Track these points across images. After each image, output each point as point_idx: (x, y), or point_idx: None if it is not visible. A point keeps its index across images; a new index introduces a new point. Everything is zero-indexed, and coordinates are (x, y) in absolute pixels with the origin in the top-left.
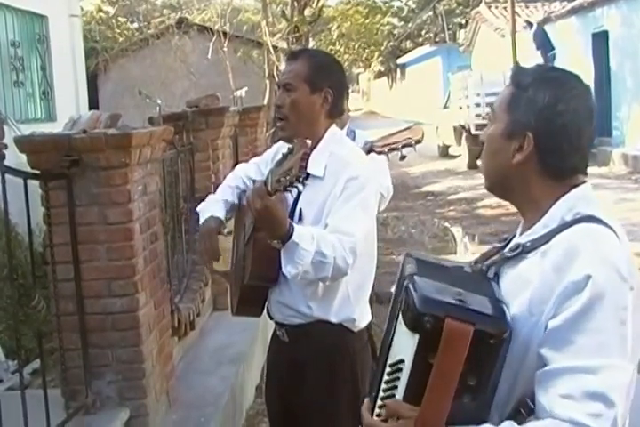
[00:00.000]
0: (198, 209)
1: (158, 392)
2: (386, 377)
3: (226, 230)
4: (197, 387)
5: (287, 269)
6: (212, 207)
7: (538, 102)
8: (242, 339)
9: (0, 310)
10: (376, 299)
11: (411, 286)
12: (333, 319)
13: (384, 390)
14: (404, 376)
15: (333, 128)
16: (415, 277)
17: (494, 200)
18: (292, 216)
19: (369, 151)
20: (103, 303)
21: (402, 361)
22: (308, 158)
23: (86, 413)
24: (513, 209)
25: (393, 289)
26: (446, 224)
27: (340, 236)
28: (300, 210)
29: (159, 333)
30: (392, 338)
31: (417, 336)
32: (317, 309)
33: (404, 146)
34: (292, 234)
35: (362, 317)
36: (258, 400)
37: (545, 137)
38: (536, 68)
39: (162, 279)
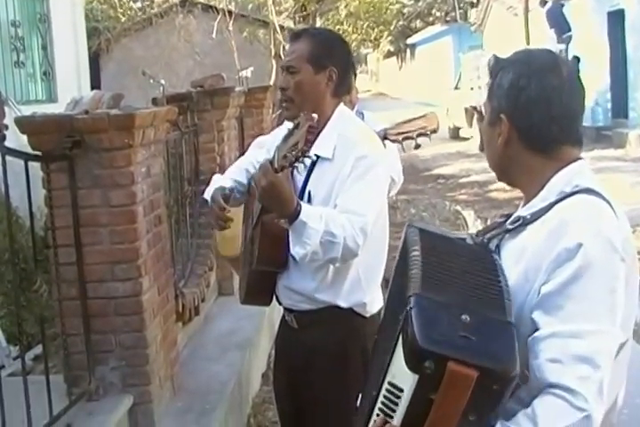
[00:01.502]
0: (205, 193)
1: (162, 379)
2: (385, 393)
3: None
4: (202, 374)
5: (295, 250)
6: (218, 182)
7: (503, 85)
8: (248, 325)
9: (1, 295)
10: (386, 285)
11: (412, 315)
12: (343, 304)
13: (382, 404)
14: (403, 405)
15: (341, 107)
16: (417, 300)
17: None
18: (300, 198)
19: (383, 139)
20: (106, 288)
21: (401, 390)
22: (314, 132)
23: (89, 399)
24: None
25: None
26: (457, 208)
27: (350, 216)
28: (309, 192)
29: (163, 318)
30: (393, 354)
31: (417, 376)
32: (327, 293)
33: (418, 135)
34: (299, 213)
35: (373, 301)
36: (264, 388)
37: (515, 115)
38: (509, 55)
39: (166, 263)
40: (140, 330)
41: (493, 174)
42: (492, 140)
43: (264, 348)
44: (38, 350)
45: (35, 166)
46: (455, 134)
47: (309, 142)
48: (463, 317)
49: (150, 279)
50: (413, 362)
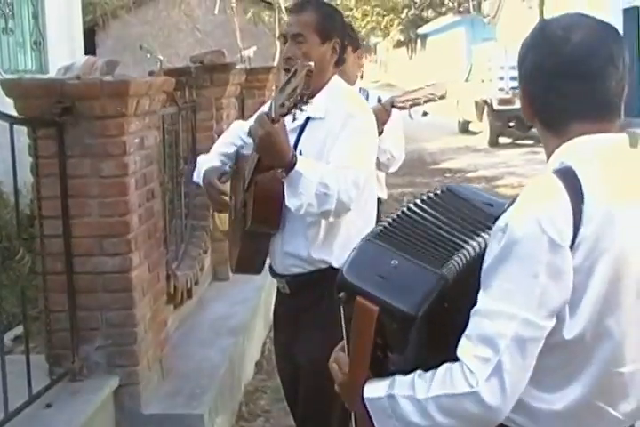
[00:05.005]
0: (195, 175)
1: (150, 360)
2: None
3: (224, 177)
4: (193, 358)
5: (291, 202)
6: (207, 161)
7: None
8: (242, 311)
9: None
10: None
11: (350, 255)
12: (336, 264)
13: None
14: (344, 336)
15: (336, 77)
16: (362, 243)
17: (515, 179)
18: None
19: (391, 106)
20: (94, 262)
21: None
22: (312, 77)
23: (72, 379)
24: None
25: None
26: None
27: (342, 170)
28: (300, 151)
29: (153, 297)
30: None
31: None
32: (319, 252)
33: (426, 101)
34: (295, 163)
35: None
36: (257, 377)
37: (523, 85)
38: None
39: (157, 241)
40: (128, 308)
41: (501, 170)
42: None
43: (259, 335)
44: (19, 330)
45: (22, 141)
46: (465, 128)
47: (308, 87)
48: (393, 261)
49: (140, 256)
50: (335, 293)
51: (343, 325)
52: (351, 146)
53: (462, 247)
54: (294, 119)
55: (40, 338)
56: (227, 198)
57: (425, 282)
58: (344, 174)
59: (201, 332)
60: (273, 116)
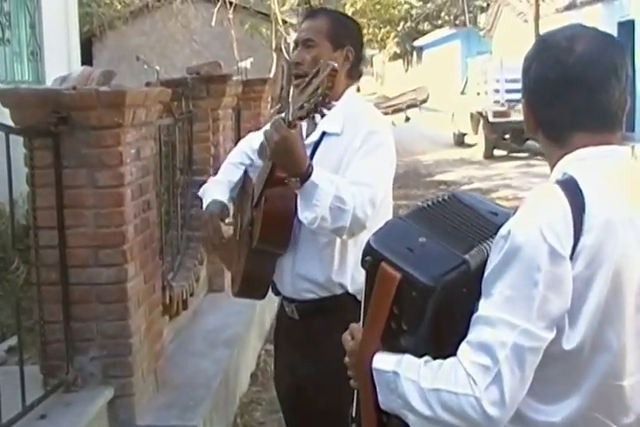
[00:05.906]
0: (200, 193)
1: (145, 371)
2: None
3: (227, 220)
4: (188, 369)
5: (304, 215)
6: (215, 190)
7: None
8: (237, 322)
9: None
10: None
11: (381, 227)
12: (350, 288)
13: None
14: (363, 305)
15: (351, 89)
16: (394, 219)
17: (510, 192)
18: None
19: None
20: (89, 273)
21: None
22: (336, 76)
23: (67, 390)
24: None
25: None
26: None
27: (359, 187)
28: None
29: (148, 308)
30: None
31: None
32: (335, 274)
33: (408, 106)
34: (311, 173)
35: None
36: (252, 388)
37: (527, 96)
38: None
39: (153, 251)
40: (123, 319)
41: (496, 182)
42: None
43: (254, 347)
44: (13, 341)
45: (18, 151)
46: (460, 141)
47: (332, 87)
48: (421, 239)
49: (136, 266)
50: (361, 257)
51: (364, 295)
52: (369, 162)
53: (477, 245)
54: (307, 135)
55: (34, 349)
56: (222, 240)
57: (449, 260)
58: (360, 191)
59: (196, 343)
60: (290, 119)
